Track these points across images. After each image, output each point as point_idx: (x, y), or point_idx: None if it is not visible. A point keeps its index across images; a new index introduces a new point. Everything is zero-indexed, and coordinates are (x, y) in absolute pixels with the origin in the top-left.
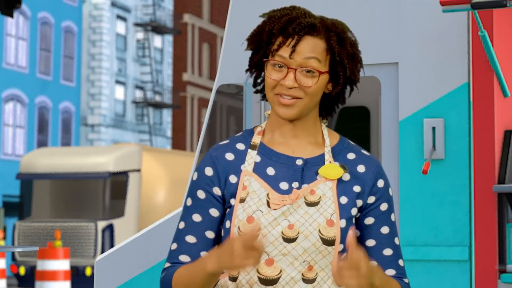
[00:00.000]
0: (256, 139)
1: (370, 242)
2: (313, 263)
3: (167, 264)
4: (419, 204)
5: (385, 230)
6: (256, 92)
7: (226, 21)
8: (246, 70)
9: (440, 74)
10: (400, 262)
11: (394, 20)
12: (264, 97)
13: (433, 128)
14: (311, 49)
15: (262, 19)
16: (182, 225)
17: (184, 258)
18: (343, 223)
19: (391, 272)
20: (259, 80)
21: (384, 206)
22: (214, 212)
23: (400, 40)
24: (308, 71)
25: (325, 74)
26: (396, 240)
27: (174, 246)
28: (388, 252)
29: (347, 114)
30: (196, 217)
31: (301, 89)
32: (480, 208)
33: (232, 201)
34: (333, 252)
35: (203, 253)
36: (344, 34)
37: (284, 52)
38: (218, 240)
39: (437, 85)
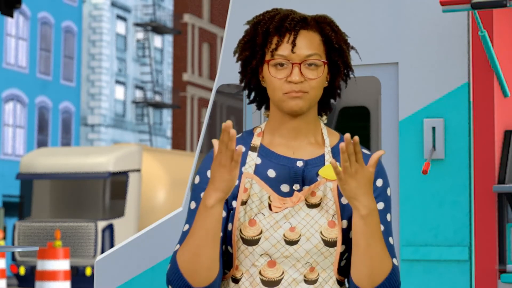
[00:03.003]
0: (256, 141)
1: None
2: (315, 265)
3: (169, 266)
4: (419, 204)
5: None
6: (253, 101)
7: (226, 21)
8: (241, 80)
9: (440, 74)
10: (394, 261)
11: (394, 20)
12: (259, 106)
13: (433, 128)
14: (309, 42)
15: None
16: (186, 227)
17: None
18: (344, 223)
19: None
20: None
21: (380, 206)
22: None
23: (400, 40)
24: (310, 65)
25: (326, 65)
26: (390, 240)
27: (177, 247)
28: None
29: (347, 114)
30: None
31: (307, 82)
32: (480, 208)
33: (234, 203)
34: (334, 253)
35: None
36: (334, 24)
37: (284, 49)
38: (224, 240)
39: (437, 85)
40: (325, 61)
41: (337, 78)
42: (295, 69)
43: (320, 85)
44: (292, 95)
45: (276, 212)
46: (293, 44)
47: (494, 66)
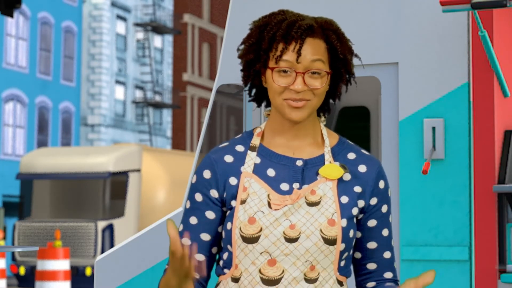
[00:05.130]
0: (256, 141)
1: (372, 245)
2: (315, 263)
3: (167, 266)
4: (419, 204)
5: (385, 232)
6: (253, 100)
7: (226, 21)
8: (244, 80)
9: (440, 74)
10: (395, 264)
11: (394, 20)
12: (259, 104)
13: (433, 128)
14: (315, 51)
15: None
16: (180, 227)
17: None
18: (344, 222)
19: (389, 275)
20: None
21: (384, 208)
22: (210, 215)
23: (400, 40)
24: (314, 73)
25: (329, 73)
26: (392, 242)
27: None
28: (387, 255)
29: (347, 114)
30: (193, 220)
31: (310, 91)
32: (480, 208)
33: (233, 203)
34: (334, 252)
35: (198, 255)
36: (340, 31)
37: (289, 57)
38: (218, 242)
39: (437, 85)
40: (329, 71)
41: (339, 84)
42: (299, 78)
43: (322, 93)
44: (292, 104)
45: (275, 210)
46: (299, 54)
47: (494, 66)
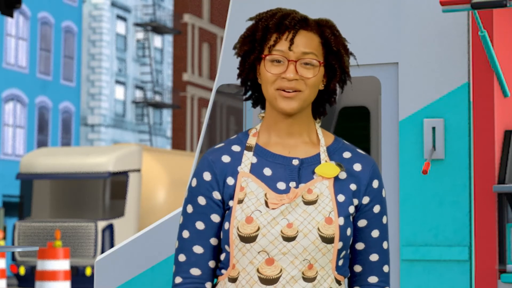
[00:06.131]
0: (251, 141)
1: (359, 246)
2: (313, 262)
3: (179, 279)
4: (419, 204)
5: (375, 233)
6: (248, 98)
7: (226, 21)
8: (239, 74)
9: (440, 74)
10: (385, 268)
11: (394, 20)
12: (255, 104)
13: (433, 128)
14: (308, 42)
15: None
16: (186, 234)
17: (194, 271)
18: (341, 220)
19: (374, 279)
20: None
21: (377, 208)
22: (216, 218)
23: (400, 40)
24: (307, 64)
25: (322, 66)
26: (385, 244)
27: (183, 257)
28: (374, 257)
29: (347, 114)
30: (200, 225)
31: (302, 81)
32: (480, 208)
33: (231, 203)
34: (332, 250)
35: (211, 263)
36: (335, 28)
37: (282, 46)
38: (218, 244)
39: (437, 85)
40: (322, 61)
41: (333, 81)
42: (291, 66)
43: (315, 85)
44: (284, 94)
45: (273, 209)
46: (291, 42)
47: (494, 66)
